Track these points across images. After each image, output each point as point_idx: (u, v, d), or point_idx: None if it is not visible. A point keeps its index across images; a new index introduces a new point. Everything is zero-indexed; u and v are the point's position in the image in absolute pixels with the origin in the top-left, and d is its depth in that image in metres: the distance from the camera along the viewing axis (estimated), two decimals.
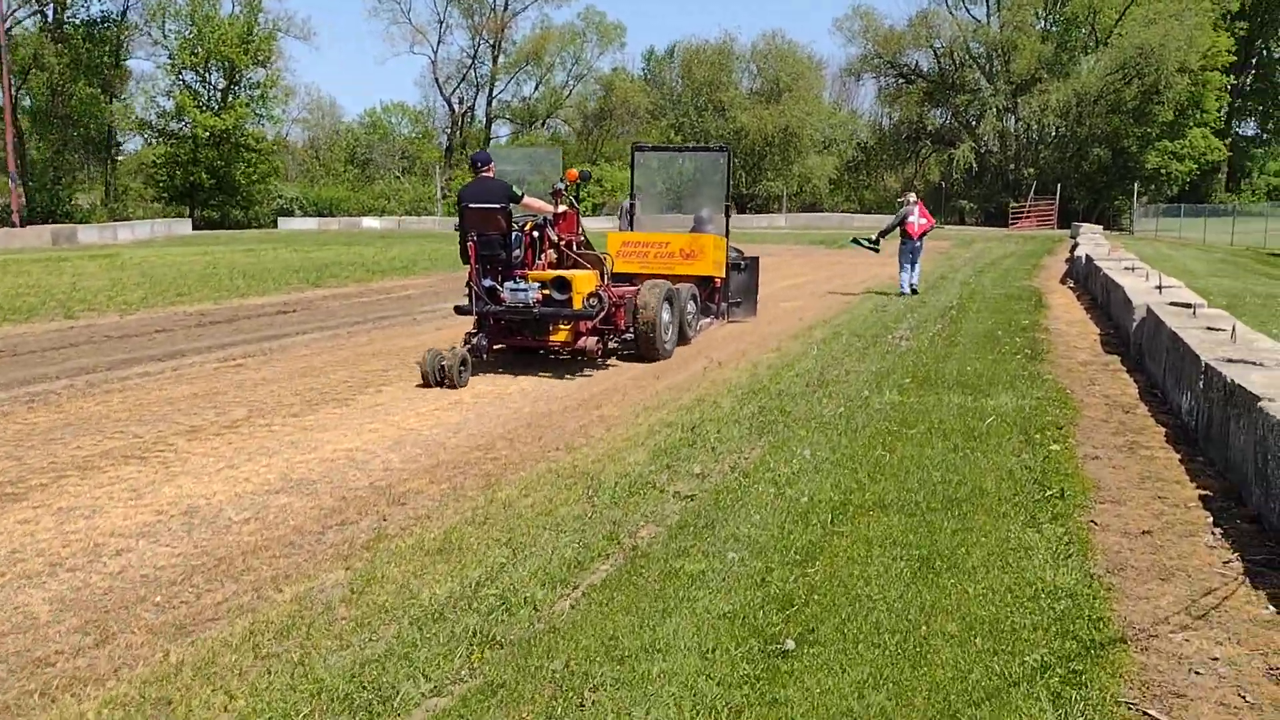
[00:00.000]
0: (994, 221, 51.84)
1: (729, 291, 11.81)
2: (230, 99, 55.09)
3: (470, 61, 66.65)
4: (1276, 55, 61.94)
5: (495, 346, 9.14)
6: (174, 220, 46.96)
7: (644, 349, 9.26)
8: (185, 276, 18.39)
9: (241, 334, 11.21)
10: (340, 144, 68.24)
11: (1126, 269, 13.15)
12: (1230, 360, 6.32)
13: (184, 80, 55.07)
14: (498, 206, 8.40)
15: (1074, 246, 23.55)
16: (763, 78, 61.99)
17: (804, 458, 5.53)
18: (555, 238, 9.25)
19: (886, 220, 16.95)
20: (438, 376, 7.97)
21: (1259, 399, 4.90)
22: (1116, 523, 4.63)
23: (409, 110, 71.15)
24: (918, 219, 15.07)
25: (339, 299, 15.10)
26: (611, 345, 9.44)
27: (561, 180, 9.42)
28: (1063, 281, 18.18)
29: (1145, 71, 49.70)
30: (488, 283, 8.56)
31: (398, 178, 62.74)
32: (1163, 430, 6.48)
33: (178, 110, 53.85)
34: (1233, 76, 56.68)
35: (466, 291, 8.74)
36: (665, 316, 9.39)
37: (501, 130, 70.87)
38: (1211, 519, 4.70)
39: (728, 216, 11.58)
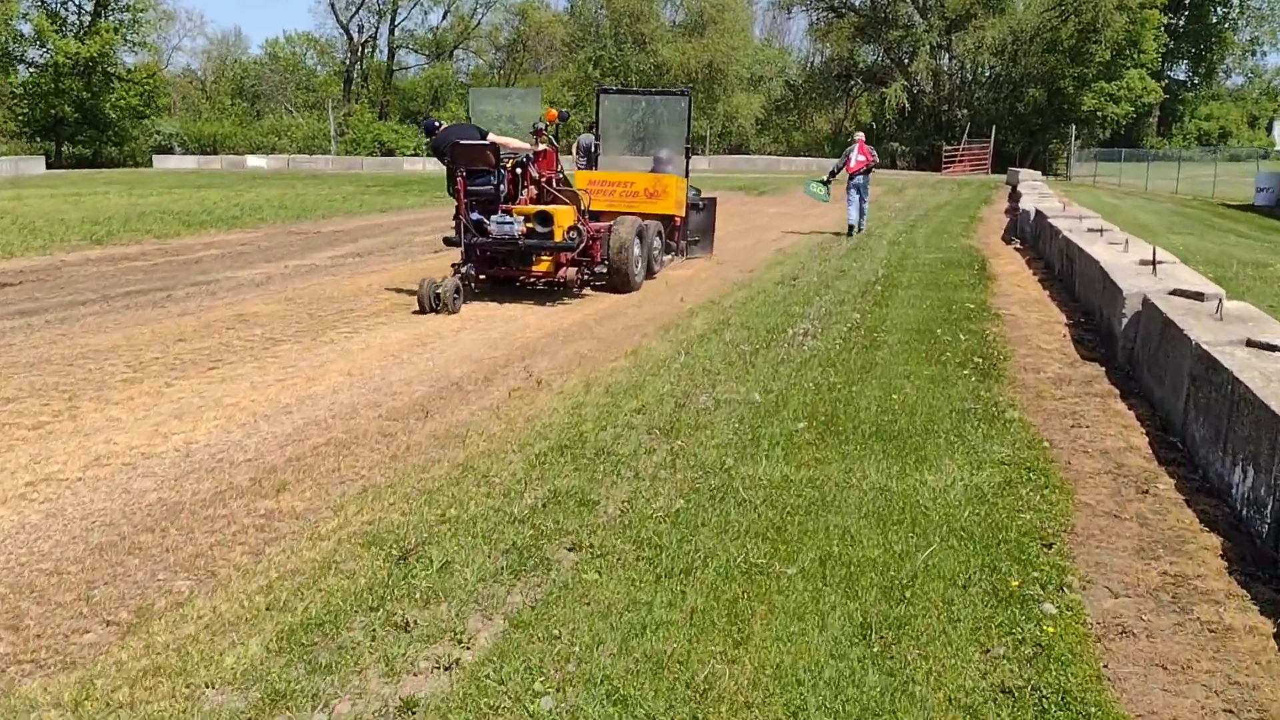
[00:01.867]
0: (926, 165, 49.30)
1: (688, 230, 11.97)
2: (99, 23, 49.33)
3: None
4: None
5: (481, 276, 9.48)
6: (24, 158, 41.70)
7: (617, 281, 9.65)
8: None
9: None
10: (228, 75, 62.32)
11: (1092, 231, 10.51)
12: None
13: (44, 1, 49.20)
14: (486, 143, 8.86)
15: (1015, 196, 21.08)
16: (686, 9, 58.02)
17: (545, 709, 2.66)
18: (536, 174, 9.44)
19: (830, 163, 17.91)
20: (433, 303, 8.35)
21: None
22: None
23: (315, 41, 65.38)
24: (856, 156, 15.30)
25: (107, 263, 11.74)
26: (584, 277, 9.65)
27: (541, 119, 9.70)
28: (1006, 240, 15.59)
29: (1083, 8, 47.11)
30: (475, 216, 8.96)
31: (289, 112, 57.41)
32: (1216, 541, 3.81)
33: (37, 35, 48.04)
34: (1169, 16, 54.57)
35: (454, 224, 9.13)
36: (636, 251, 9.82)
37: (409, 60, 65.69)
38: None
39: (687, 158, 11.73)
